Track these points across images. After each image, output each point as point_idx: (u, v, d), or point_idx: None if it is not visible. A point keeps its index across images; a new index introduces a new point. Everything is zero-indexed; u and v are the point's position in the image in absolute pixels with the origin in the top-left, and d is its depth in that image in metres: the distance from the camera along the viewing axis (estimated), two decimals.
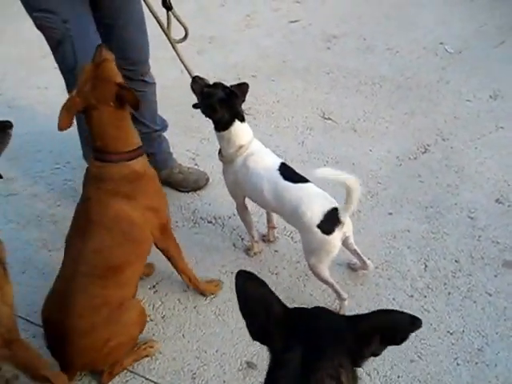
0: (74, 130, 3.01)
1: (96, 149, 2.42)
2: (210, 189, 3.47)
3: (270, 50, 4.88)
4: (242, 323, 2.41)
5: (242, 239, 3.12)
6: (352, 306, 2.73)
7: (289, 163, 2.71)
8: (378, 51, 4.79)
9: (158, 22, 2.96)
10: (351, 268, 2.90)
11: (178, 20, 2.95)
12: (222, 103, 2.58)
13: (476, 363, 2.50)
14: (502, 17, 5.10)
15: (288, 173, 2.61)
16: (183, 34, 3.02)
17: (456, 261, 2.94)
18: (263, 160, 2.68)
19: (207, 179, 3.50)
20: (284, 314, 1.41)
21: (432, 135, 3.79)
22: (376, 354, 1.42)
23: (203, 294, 2.87)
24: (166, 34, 3.00)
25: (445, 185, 3.39)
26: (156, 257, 2.70)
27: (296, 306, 1.50)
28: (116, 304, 2.36)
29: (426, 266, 2.92)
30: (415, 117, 3.98)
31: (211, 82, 2.69)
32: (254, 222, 3.03)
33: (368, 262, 2.82)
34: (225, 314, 2.75)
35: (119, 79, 2.41)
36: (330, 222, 2.42)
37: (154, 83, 3.20)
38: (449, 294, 2.79)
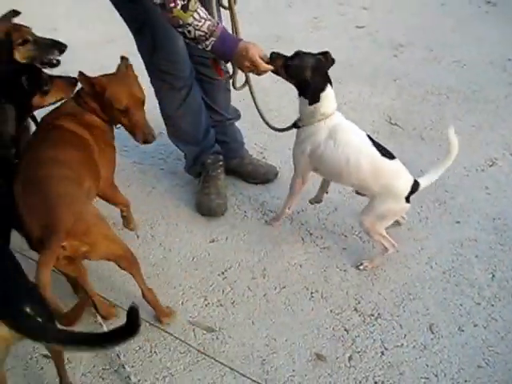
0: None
1: None
2: (279, 183, 3.53)
3: (337, 52, 4.81)
4: (313, 315, 2.51)
5: (311, 234, 3.17)
6: (419, 307, 2.76)
7: None
8: (445, 63, 4.81)
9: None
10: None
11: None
12: (315, 71, 2.66)
13: None
14: None
15: (379, 147, 2.76)
16: None
17: None
18: (351, 132, 2.79)
19: (276, 174, 3.56)
20: None
21: (499, 149, 3.80)
22: None
23: None
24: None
25: None
26: (223, 247, 2.76)
27: None
28: None
29: (493, 276, 2.93)
30: (482, 130, 3.99)
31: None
32: None
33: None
34: (294, 305, 2.79)
35: None
36: (411, 193, 2.76)
37: (228, 72, 3.17)
38: None
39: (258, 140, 3.84)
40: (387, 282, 2.89)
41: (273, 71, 2.70)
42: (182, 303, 2.83)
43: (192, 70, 3.12)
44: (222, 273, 2.98)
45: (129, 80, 2.72)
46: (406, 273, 2.94)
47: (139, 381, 2.49)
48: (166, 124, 3.34)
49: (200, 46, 2.59)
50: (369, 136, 2.78)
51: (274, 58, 2.68)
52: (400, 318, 2.72)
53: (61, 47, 2.99)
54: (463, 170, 3.59)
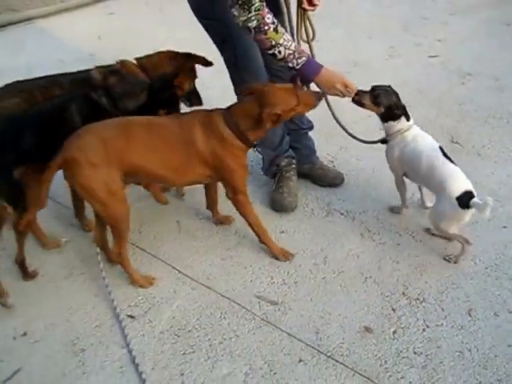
0: None
1: None
2: (345, 188, 3.97)
3: (409, 78, 5.33)
4: (364, 296, 3.04)
5: (369, 231, 3.57)
6: (460, 295, 3.11)
7: None
8: (509, 91, 5.17)
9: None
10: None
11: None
12: (397, 96, 3.32)
13: None
14: None
15: (445, 153, 3.24)
16: None
17: None
18: (426, 139, 3.34)
19: (343, 179, 4.00)
20: None
21: None
22: None
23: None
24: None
25: None
26: (291, 238, 3.18)
27: None
28: None
29: None
30: None
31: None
32: None
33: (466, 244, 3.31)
34: (349, 287, 3.18)
35: None
36: (467, 200, 3.05)
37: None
38: None
39: (329, 150, 4.28)
40: (434, 273, 3.25)
41: (354, 101, 3.30)
42: (251, 280, 3.27)
43: (268, 81, 3.58)
44: None
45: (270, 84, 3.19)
46: (452, 267, 3.28)
47: (209, 339, 2.93)
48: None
49: (290, 65, 3.09)
50: (440, 147, 3.28)
51: (361, 92, 3.28)
52: (442, 303, 3.07)
53: None
54: None
